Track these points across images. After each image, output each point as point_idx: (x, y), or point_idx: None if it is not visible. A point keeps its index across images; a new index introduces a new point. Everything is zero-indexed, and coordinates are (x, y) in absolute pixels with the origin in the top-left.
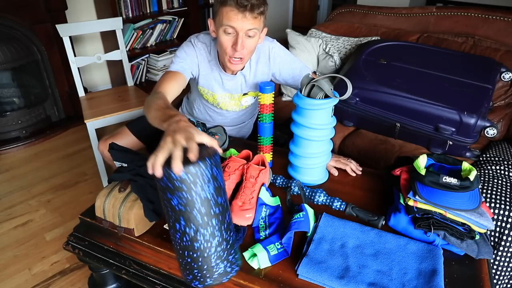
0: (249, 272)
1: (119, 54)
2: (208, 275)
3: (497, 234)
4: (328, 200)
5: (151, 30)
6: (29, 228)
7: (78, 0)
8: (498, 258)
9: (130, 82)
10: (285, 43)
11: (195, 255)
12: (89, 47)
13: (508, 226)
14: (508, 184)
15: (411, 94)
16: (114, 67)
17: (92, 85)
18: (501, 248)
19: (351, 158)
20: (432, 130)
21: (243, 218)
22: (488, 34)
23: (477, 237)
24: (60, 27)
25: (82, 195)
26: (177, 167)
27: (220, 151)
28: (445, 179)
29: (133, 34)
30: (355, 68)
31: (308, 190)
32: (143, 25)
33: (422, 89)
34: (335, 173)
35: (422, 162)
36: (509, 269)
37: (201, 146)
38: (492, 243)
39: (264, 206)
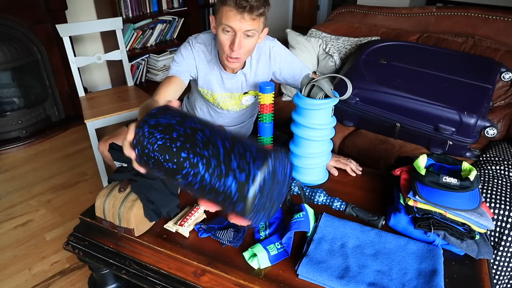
0: (249, 272)
1: (119, 54)
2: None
3: (497, 234)
4: (328, 200)
5: (151, 30)
6: (29, 228)
7: (78, 0)
8: (498, 258)
9: (130, 82)
10: (285, 43)
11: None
12: (89, 47)
13: (508, 226)
14: (508, 184)
15: (411, 94)
16: (114, 67)
17: (92, 85)
18: (501, 248)
19: (351, 158)
20: (432, 130)
21: (243, 218)
22: (488, 34)
23: (477, 237)
24: (60, 27)
25: (82, 195)
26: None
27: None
28: (445, 179)
29: (133, 34)
30: (355, 68)
31: (308, 190)
32: (143, 25)
33: (422, 89)
34: (335, 173)
35: (422, 162)
36: (509, 269)
37: None
38: (492, 243)
39: None
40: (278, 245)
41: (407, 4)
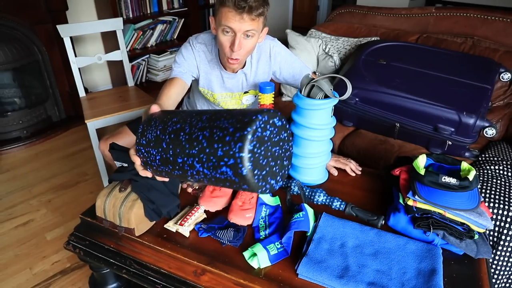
0: (249, 272)
1: (120, 55)
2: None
3: (496, 234)
4: (327, 200)
5: (151, 31)
6: (30, 228)
7: (79, 1)
8: (497, 257)
9: (130, 82)
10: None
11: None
12: (89, 48)
13: (507, 225)
14: (507, 184)
15: (410, 94)
16: (115, 67)
17: (92, 85)
18: (500, 248)
19: (350, 158)
20: (432, 130)
21: (243, 218)
22: (487, 34)
23: (476, 236)
24: (60, 28)
25: (83, 195)
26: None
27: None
28: (444, 179)
29: (134, 34)
30: (354, 68)
31: (308, 190)
32: (143, 26)
33: (422, 89)
34: (335, 173)
35: (421, 162)
36: (507, 268)
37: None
38: (491, 243)
39: (264, 206)
40: (278, 244)
41: (407, 5)
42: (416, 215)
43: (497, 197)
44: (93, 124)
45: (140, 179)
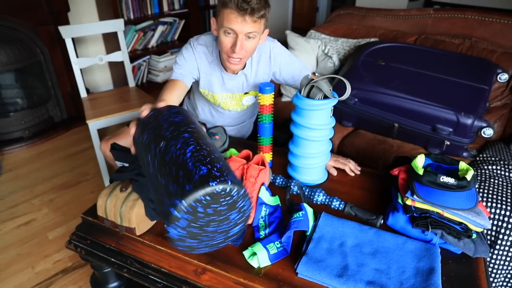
0: (249, 271)
1: (121, 55)
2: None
3: (493, 233)
4: (327, 200)
5: (152, 32)
6: (32, 227)
7: (80, 2)
8: (494, 256)
9: (131, 83)
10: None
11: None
12: (91, 49)
13: (505, 225)
14: (505, 183)
15: (409, 95)
16: (116, 68)
17: (94, 86)
18: (497, 247)
19: (350, 158)
20: (430, 130)
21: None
22: (485, 35)
23: (474, 236)
24: (62, 29)
25: (84, 194)
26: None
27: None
28: (442, 178)
29: (135, 35)
30: (353, 69)
31: (307, 190)
32: (144, 27)
33: (420, 90)
34: (334, 173)
35: (420, 162)
36: (505, 268)
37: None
38: (489, 242)
39: (264, 205)
40: (277, 244)
41: (405, 6)
42: (414, 214)
43: (494, 196)
44: (94, 125)
45: (141, 179)
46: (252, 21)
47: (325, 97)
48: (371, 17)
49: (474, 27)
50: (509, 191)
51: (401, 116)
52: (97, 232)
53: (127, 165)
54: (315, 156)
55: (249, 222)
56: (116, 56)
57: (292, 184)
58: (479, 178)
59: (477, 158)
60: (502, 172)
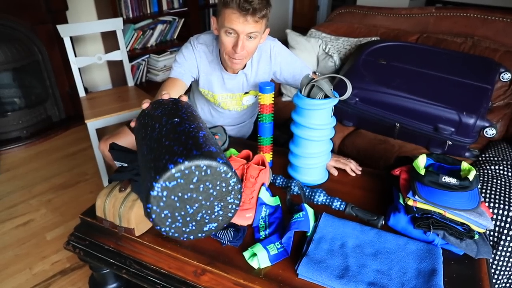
0: (249, 272)
1: (120, 55)
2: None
3: (496, 234)
4: (327, 200)
5: (151, 31)
6: (30, 228)
7: (79, 1)
8: (497, 257)
9: (130, 82)
10: (285, 43)
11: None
12: (89, 48)
13: (507, 225)
14: (507, 184)
15: (410, 94)
16: (115, 67)
17: (92, 85)
18: (500, 248)
19: (350, 158)
20: (432, 130)
21: (243, 218)
22: (487, 34)
23: (476, 236)
24: (60, 28)
25: (83, 195)
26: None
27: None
28: (444, 179)
29: (134, 34)
30: (354, 68)
31: (308, 190)
32: (143, 26)
33: (422, 89)
34: (335, 173)
35: (421, 162)
36: (508, 269)
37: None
38: (491, 243)
39: (264, 206)
40: (278, 244)
41: (407, 5)
42: (416, 215)
43: (497, 197)
44: (93, 124)
45: (140, 179)
46: (253, 21)
47: (326, 96)
48: (372, 16)
49: (477, 26)
50: (511, 191)
51: (403, 115)
52: (96, 233)
53: (126, 165)
54: (315, 156)
55: (249, 222)
56: (115, 55)
57: (293, 184)
58: (481, 178)
59: (480, 158)
60: (505, 172)
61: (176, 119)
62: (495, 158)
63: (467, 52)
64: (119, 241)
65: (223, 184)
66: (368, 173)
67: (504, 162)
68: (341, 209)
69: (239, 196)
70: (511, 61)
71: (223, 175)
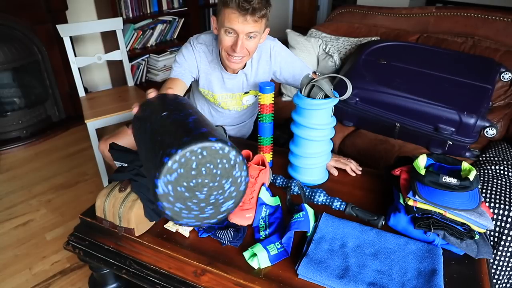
0: (249, 272)
1: (120, 54)
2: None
3: (496, 234)
4: (328, 200)
5: (151, 30)
6: (30, 228)
7: (79, 0)
8: (497, 258)
9: (130, 82)
10: (285, 43)
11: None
12: (89, 47)
13: (508, 226)
14: (508, 184)
15: (410, 94)
16: (115, 67)
17: (92, 85)
18: (500, 248)
19: (351, 158)
20: (432, 130)
21: (243, 218)
22: (488, 34)
23: (477, 237)
24: (60, 27)
25: (83, 195)
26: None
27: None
28: (444, 179)
29: (134, 34)
30: (355, 68)
31: (308, 190)
32: (143, 25)
33: (422, 89)
34: (335, 173)
35: (421, 162)
36: (508, 269)
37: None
38: (492, 243)
39: (264, 206)
40: (278, 245)
41: (407, 5)
42: (416, 215)
43: (497, 197)
44: (93, 124)
45: (140, 179)
46: (253, 21)
47: (326, 96)
48: (372, 15)
49: (477, 26)
50: None
51: (403, 115)
52: (96, 233)
53: (126, 165)
54: (315, 156)
55: (249, 222)
56: (114, 55)
57: (293, 184)
58: (481, 178)
59: (480, 158)
60: (505, 172)
61: (164, 113)
62: (496, 158)
63: (467, 52)
64: (119, 241)
65: (224, 161)
66: (368, 173)
67: (505, 162)
68: (341, 209)
69: (244, 167)
70: (511, 61)
71: (220, 151)
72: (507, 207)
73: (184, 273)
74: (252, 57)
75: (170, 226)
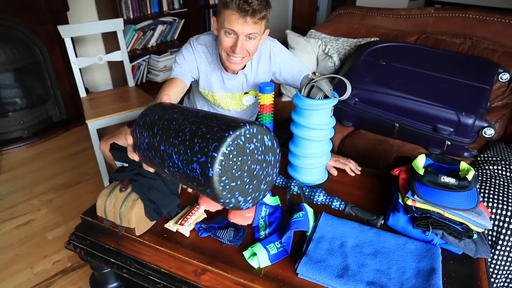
0: (249, 271)
1: (120, 55)
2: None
3: (494, 233)
4: (327, 200)
5: (152, 31)
6: (31, 228)
7: (80, 1)
8: (495, 257)
9: (131, 83)
10: (284, 43)
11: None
12: (90, 48)
13: (506, 225)
14: (506, 183)
15: (409, 95)
16: (115, 67)
17: (93, 85)
18: (498, 247)
19: (350, 158)
20: (431, 130)
21: (243, 217)
22: (486, 35)
23: (475, 236)
24: (61, 28)
25: (84, 194)
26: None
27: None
28: (443, 179)
29: (134, 35)
30: (354, 68)
31: (307, 190)
32: (144, 26)
33: (421, 90)
34: (335, 173)
35: (420, 162)
36: (506, 268)
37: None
38: (490, 242)
39: (264, 205)
40: (277, 244)
41: (406, 6)
42: (415, 214)
43: (495, 196)
44: (93, 124)
45: (140, 179)
46: (253, 22)
47: (326, 97)
48: (371, 16)
49: (475, 27)
50: (510, 191)
51: (402, 116)
52: (97, 233)
53: (126, 165)
54: (315, 156)
55: (249, 222)
56: (115, 56)
57: (292, 184)
58: (480, 178)
59: (478, 158)
60: (503, 172)
61: (170, 140)
62: (494, 158)
63: (465, 52)
64: (119, 241)
65: (260, 147)
66: (367, 173)
67: (503, 162)
68: (340, 208)
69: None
70: (509, 61)
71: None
72: (505, 206)
73: (184, 272)
74: (251, 58)
75: (171, 225)
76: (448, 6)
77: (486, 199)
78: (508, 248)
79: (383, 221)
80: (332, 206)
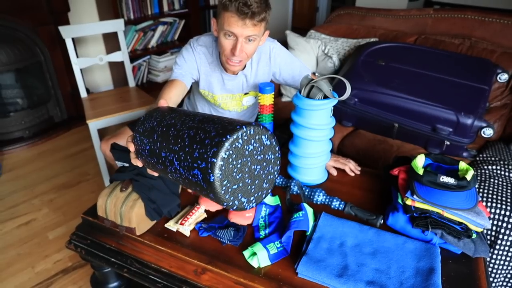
0: (249, 271)
1: (121, 56)
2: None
3: (493, 233)
4: (327, 200)
5: (152, 32)
6: (32, 227)
7: (81, 2)
8: (494, 256)
9: (131, 83)
10: (284, 44)
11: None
12: (91, 49)
13: (504, 225)
14: (504, 183)
15: (409, 95)
16: (116, 68)
17: (94, 86)
18: (497, 247)
19: (350, 158)
20: (430, 130)
21: (243, 217)
22: (485, 35)
23: (474, 236)
24: (62, 29)
25: (84, 194)
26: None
27: None
28: (442, 178)
29: (135, 35)
30: (353, 69)
31: (307, 190)
32: (144, 27)
33: (420, 90)
34: (334, 173)
35: (420, 162)
36: (505, 267)
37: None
38: (489, 242)
39: (264, 205)
40: (277, 244)
41: (405, 6)
42: (414, 214)
43: (494, 196)
44: (94, 125)
45: (141, 179)
46: (252, 24)
47: (325, 97)
48: (371, 17)
49: (474, 27)
50: (509, 191)
51: (401, 116)
52: (97, 232)
53: (127, 165)
54: (315, 156)
55: (249, 222)
56: (116, 56)
57: (292, 184)
58: (479, 178)
59: (477, 158)
60: (502, 172)
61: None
62: (493, 158)
63: (464, 53)
64: (120, 240)
65: (258, 147)
66: (367, 173)
67: (501, 162)
68: (340, 208)
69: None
70: (508, 62)
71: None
72: (503, 206)
73: (184, 272)
74: (251, 58)
75: (171, 225)
76: (447, 6)
77: (485, 199)
78: (506, 248)
79: (382, 220)
80: (332, 206)
